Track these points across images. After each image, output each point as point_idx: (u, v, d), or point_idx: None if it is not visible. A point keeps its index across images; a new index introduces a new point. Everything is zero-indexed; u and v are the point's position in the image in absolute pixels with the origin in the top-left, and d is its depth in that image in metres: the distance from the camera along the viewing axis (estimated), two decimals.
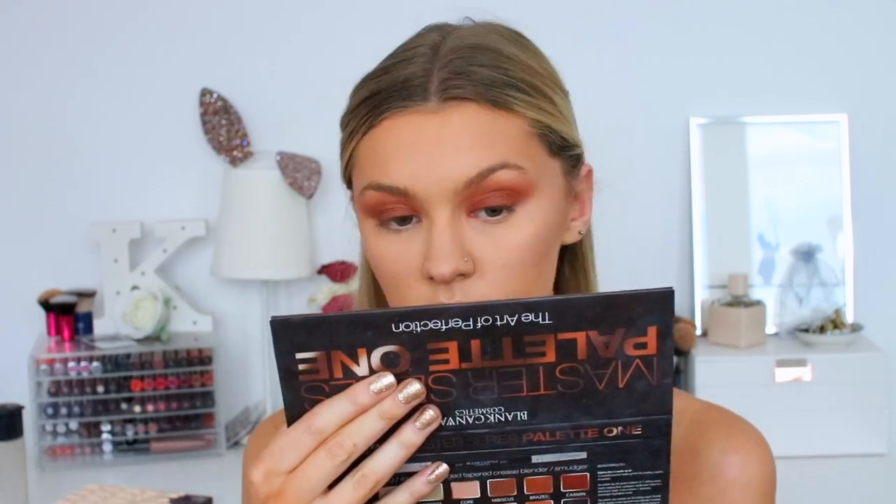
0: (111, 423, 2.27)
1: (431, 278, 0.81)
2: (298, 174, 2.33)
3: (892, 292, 2.42)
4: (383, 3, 2.42)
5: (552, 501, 0.79)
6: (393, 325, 0.73)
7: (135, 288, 2.36)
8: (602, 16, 2.41)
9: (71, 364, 2.25)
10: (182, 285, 2.46)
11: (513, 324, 0.72)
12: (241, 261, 2.34)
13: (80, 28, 2.44)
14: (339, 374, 0.75)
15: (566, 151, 0.86)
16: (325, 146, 2.40)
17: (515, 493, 0.79)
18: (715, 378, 2.18)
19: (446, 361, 0.74)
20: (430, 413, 0.73)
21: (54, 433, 2.26)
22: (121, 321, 2.32)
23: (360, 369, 0.74)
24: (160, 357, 2.28)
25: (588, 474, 0.78)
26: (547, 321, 0.72)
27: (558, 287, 0.94)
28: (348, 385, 0.74)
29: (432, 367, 0.74)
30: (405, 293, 0.84)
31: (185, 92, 2.43)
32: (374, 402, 0.72)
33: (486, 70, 0.82)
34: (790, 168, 2.40)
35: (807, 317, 2.34)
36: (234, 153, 2.40)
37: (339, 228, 2.51)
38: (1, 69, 2.45)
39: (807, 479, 2.08)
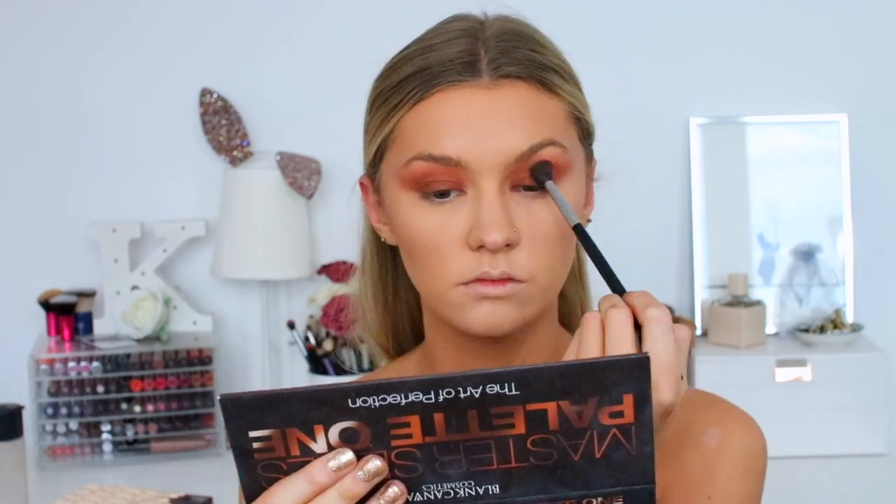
0: (111, 423, 2.27)
1: (479, 248, 0.83)
2: (298, 174, 2.33)
3: (892, 292, 2.42)
4: (383, 4, 2.42)
5: None
6: (349, 401, 0.70)
7: (135, 288, 2.36)
8: (602, 16, 2.41)
9: (71, 364, 2.25)
10: (182, 285, 2.46)
11: (477, 395, 0.70)
12: (241, 261, 2.34)
13: (80, 28, 2.44)
14: (295, 451, 0.72)
15: (589, 140, 0.91)
16: (325, 146, 2.40)
17: None
18: (715, 378, 2.18)
19: (409, 436, 0.71)
20: (394, 489, 0.70)
21: (54, 433, 2.26)
22: (121, 321, 2.32)
23: (318, 446, 0.72)
24: (160, 357, 2.28)
25: None
26: (514, 392, 0.69)
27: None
28: (306, 463, 0.71)
29: (394, 443, 0.71)
30: (448, 263, 0.85)
31: (185, 92, 2.42)
32: (333, 480, 0.70)
33: (530, 53, 0.85)
34: (790, 168, 2.40)
35: (807, 317, 2.34)
36: (234, 153, 2.40)
37: (339, 228, 2.51)
38: (1, 69, 2.45)
39: (807, 479, 2.08)
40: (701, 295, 2.39)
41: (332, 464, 0.70)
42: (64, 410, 2.25)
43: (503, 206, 0.83)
